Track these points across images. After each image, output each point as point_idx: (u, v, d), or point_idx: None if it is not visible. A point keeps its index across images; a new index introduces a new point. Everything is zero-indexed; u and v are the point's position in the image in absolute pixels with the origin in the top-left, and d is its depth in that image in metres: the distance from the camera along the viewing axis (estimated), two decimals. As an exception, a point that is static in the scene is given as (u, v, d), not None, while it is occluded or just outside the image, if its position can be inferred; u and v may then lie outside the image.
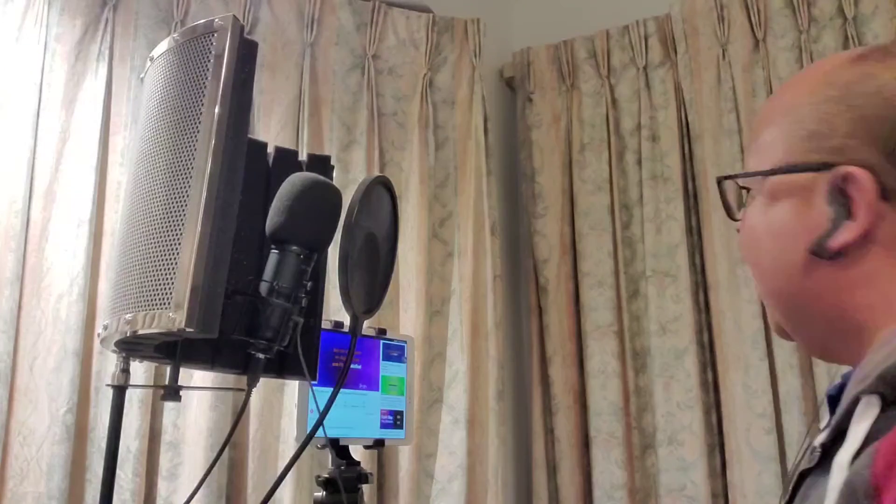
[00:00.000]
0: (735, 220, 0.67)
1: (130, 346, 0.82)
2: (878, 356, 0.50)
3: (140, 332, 0.74)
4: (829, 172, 0.56)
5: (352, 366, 1.32)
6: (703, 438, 1.99)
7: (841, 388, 0.54)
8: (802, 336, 0.63)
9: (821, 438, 0.52)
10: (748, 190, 0.65)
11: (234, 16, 0.80)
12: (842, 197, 0.55)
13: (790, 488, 0.55)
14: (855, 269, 0.55)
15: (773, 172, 0.60)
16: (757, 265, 0.63)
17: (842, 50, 2.02)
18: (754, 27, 2.13)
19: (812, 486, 0.52)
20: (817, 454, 0.51)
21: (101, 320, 1.05)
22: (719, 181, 0.67)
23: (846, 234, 0.55)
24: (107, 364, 1.56)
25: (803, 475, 0.53)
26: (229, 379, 1.54)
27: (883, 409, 0.46)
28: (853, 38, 2.00)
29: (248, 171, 0.81)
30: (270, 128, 1.90)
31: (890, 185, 0.54)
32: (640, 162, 2.24)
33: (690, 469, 1.99)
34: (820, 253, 0.56)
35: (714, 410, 2.05)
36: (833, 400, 0.57)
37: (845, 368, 0.60)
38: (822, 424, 0.57)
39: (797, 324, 0.62)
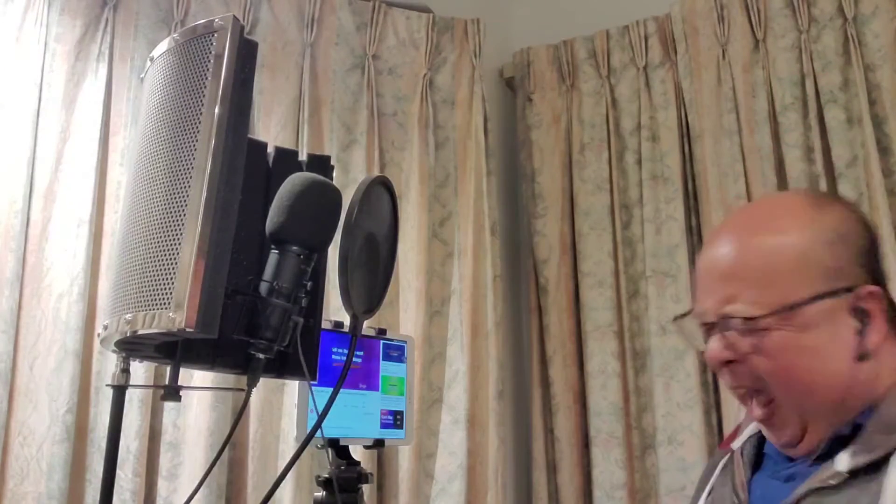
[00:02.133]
0: (705, 350, 0.79)
1: (130, 346, 0.82)
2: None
3: (140, 332, 0.74)
4: (851, 294, 0.74)
5: (352, 366, 1.32)
6: (703, 438, 1.99)
7: (853, 429, 0.71)
8: (824, 430, 0.75)
9: (847, 465, 0.68)
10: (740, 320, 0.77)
11: (234, 16, 0.80)
12: (861, 311, 0.73)
13: (795, 500, 0.70)
14: (878, 362, 0.73)
15: (810, 301, 0.74)
16: (799, 386, 0.75)
17: (842, 50, 2.02)
18: (754, 27, 2.13)
19: (827, 498, 0.67)
20: (843, 476, 0.67)
21: (101, 320, 1.05)
22: (723, 318, 0.77)
23: (875, 336, 0.73)
24: (107, 364, 1.56)
25: (811, 490, 0.69)
26: (229, 379, 1.54)
27: None
28: (853, 38, 2.00)
29: (248, 171, 0.81)
30: (270, 128, 1.90)
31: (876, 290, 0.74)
32: (640, 162, 2.24)
33: (690, 469, 1.98)
34: (864, 357, 0.73)
35: (714, 410, 2.05)
36: (841, 439, 0.72)
37: None
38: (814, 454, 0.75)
39: (830, 418, 0.74)
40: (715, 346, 0.77)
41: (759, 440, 0.83)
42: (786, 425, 0.77)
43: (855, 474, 0.67)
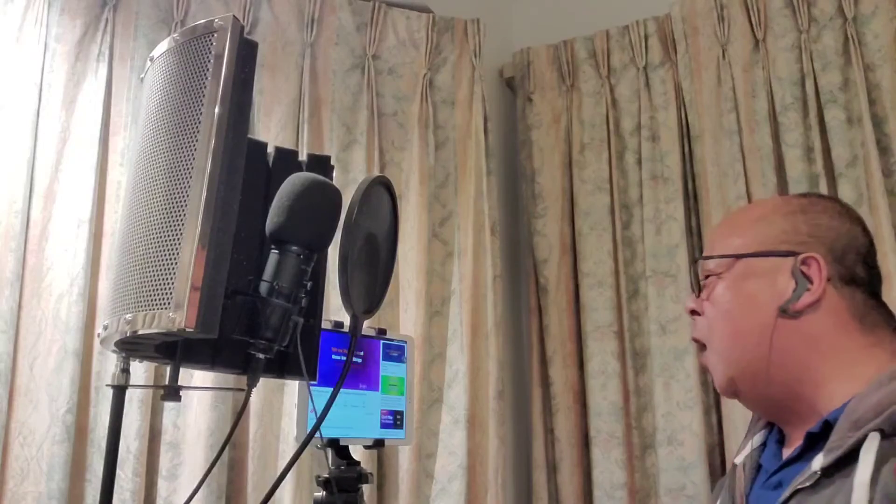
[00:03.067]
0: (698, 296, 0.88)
1: (130, 346, 0.82)
2: (867, 403, 0.70)
3: (140, 332, 0.74)
4: (795, 257, 0.81)
5: (352, 366, 1.32)
6: (703, 438, 1.99)
7: (823, 428, 0.74)
8: (758, 389, 0.83)
9: (820, 463, 0.70)
10: (707, 277, 0.87)
11: (234, 16, 0.80)
12: (801, 275, 0.80)
13: (782, 502, 0.73)
14: (810, 327, 0.79)
15: (755, 255, 0.83)
16: (726, 329, 0.84)
17: (842, 50, 2.02)
18: (754, 27, 2.13)
19: (808, 498, 0.70)
20: (816, 475, 0.70)
21: (101, 320, 1.05)
22: (694, 262, 0.90)
23: (807, 298, 0.79)
24: (107, 364, 1.56)
25: (796, 492, 0.71)
26: (229, 379, 1.54)
27: (881, 441, 0.67)
28: (853, 38, 2.00)
29: (248, 171, 0.81)
30: (270, 128, 1.90)
31: (830, 272, 0.80)
32: (640, 162, 2.24)
33: (690, 469, 1.99)
34: (787, 310, 0.80)
35: (714, 410, 2.05)
36: (814, 436, 0.75)
37: None
38: (775, 454, 0.83)
39: (757, 377, 0.82)
40: (689, 296, 0.91)
41: (759, 453, 0.87)
42: (716, 370, 0.87)
43: (829, 472, 0.69)
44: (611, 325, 2.19)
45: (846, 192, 1.93)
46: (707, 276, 0.88)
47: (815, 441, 0.75)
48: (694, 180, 2.18)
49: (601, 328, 2.20)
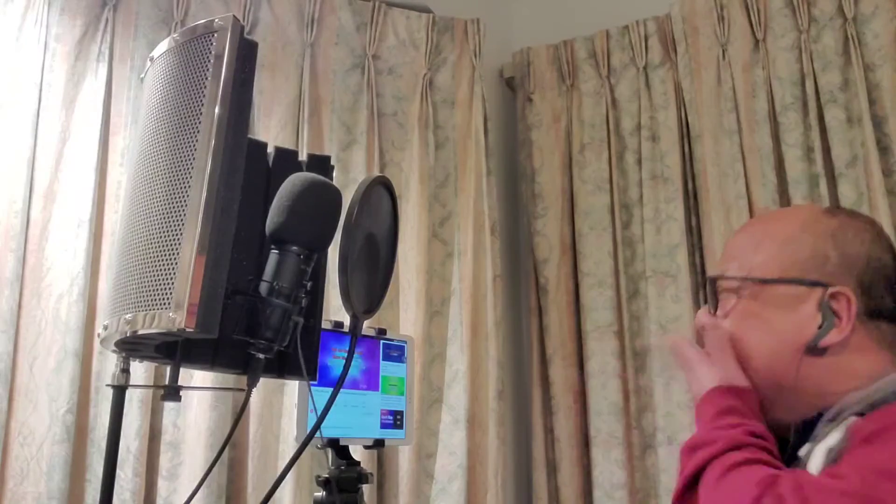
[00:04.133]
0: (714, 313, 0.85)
1: (130, 346, 0.82)
2: (854, 397, 0.72)
3: (140, 332, 0.74)
4: (822, 289, 0.77)
5: (352, 366, 1.32)
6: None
7: (817, 418, 0.75)
8: (776, 413, 0.80)
9: (804, 451, 0.72)
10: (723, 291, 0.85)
11: (234, 16, 0.80)
12: (829, 309, 0.77)
13: None
14: (836, 364, 0.77)
15: (783, 281, 0.80)
16: (747, 355, 0.81)
17: (842, 50, 2.02)
18: (754, 27, 2.13)
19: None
20: (801, 464, 0.72)
21: (101, 320, 1.05)
22: (712, 280, 0.85)
23: (833, 337, 0.76)
24: (107, 364, 1.56)
25: None
26: (229, 379, 1.54)
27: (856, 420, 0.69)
28: (853, 38, 2.00)
29: (248, 171, 0.81)
30: (270, 128, 1.90)
31: (858, 306, 0.77)
32: (640, 162, 2.24)
33: (690, 469, 1.98)
34: (813, 350, 0.77)
35: (714, 410, 2.05)
36: (808, 424, 0.76)
37: None
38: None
39: (776, 404, 0.80)
40: (701, 310, 0.88)
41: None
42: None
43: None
44: (611, 325, 2.19)
45: (846, 192, 1.93)
46: (728, 292, 0.84)
47: (807, 431, 0.76)
48: (694, 180, 2.18)
49: (601, 328, 2.20)
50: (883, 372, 0.75)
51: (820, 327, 0.77)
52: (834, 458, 0.67)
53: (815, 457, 0.69)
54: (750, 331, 0.81)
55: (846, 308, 0.77)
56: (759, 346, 0.80)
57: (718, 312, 0.84)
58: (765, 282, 0.80)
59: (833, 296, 0.77)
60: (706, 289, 0.87)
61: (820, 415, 0.74)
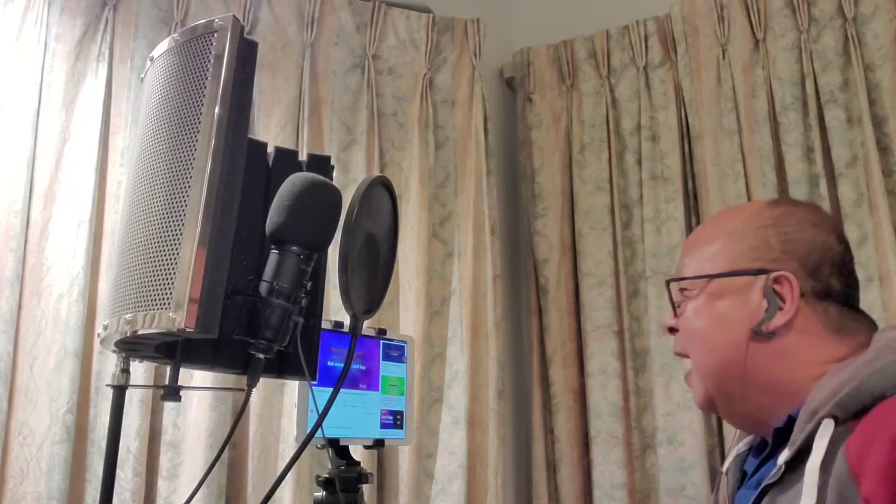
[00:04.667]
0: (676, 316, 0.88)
1: (130, 346, 0.82)
2: (823, 392, 0.70)
3: (140, 332, 0.74)
4: (766, 276, 0.80)
5: (352, 366, 1.32)
6: (703, 438, 1.99)
7: (788, 423, 0.73)
8: (734, 406, 0.83)
9: (784, 457, 0.70)
10: (683, 291, 0.87)
11: (234, 16, 0.80)
12: (773, 294, 0.79)
13: (753, 499, 0.73)
14: (783, 346, 0.78)
15: (727, 274, 0.82)
16: (700, 349, 0.84)
17: (842, 50, 2.02)
18: (754, 27, 2.13)
19: (779, 494, 0.70)
20: (781, 470, 0.70)
21: (101, 320, 1.05)
22: (668, 283, 0.89)
23: (778, 319, 0.78)
24: (107, 364, 1.56)
25: (766, 489, 0.71)
26: (229, 379, 1.54)
27: (836, 427, 0.66)
28: (853, 38, 2.00)
29: (248, 171, 0.81)
30: (270, 128, 1.90)
31: (804, 288, 0.79)
32: (640, 162, 2.24)
33: (690, 469, 1.99)
34: (759, 333, 0.79)
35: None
36: (779, 431, 0.75)
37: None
38: (755, 457, 0.83)
39: (733, 395, 0.82)
40: (667, 314, 0.90)
41: (743, 460, 0.88)
42: (695, 386, 0.87)
43: (792, 466, 0.69)
44: (611, 325, 2.19)
45: (846, 192, 1.93)
46: (682, 294, 0.87)
47: (783, 437, 0.74)
48: (694, 180, 2.18)
49: (601, 328, 2.20)
50: (834, 357, 0.76)
51: (766, 311, 0.79)
52: (842, 488, 0.63)
53: (811, 472, 0.66)
54: (703, 324, 0.83)
55: (789, 291, 0.78)
56: (710, 339, 0.83)
57: (678, 312, 0.88)
58: (713, 277, 0.83)
59: (776, 280, 0.79)
60: (668, 294, 0.89)
61: (791, 418, 0.73)
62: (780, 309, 0.78)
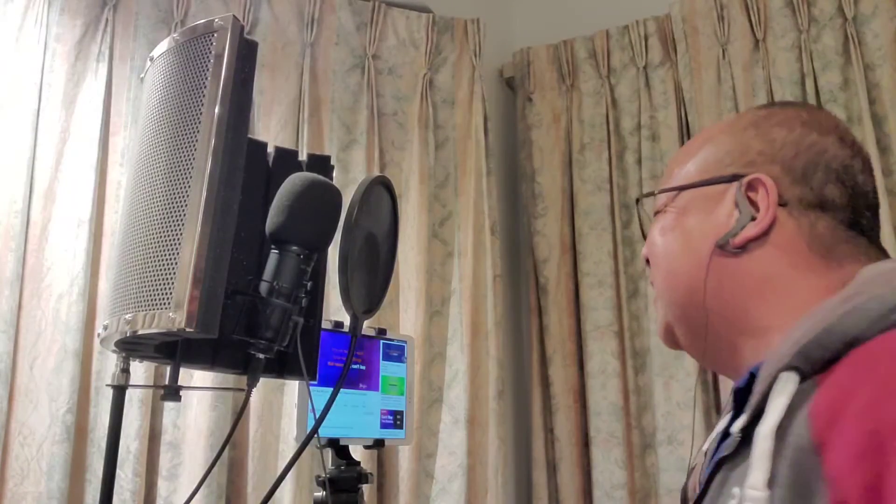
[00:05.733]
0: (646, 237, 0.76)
1: (130, 346, 0.82)
2: (789, 341, 0.55)
3: (140, 332, 0.74)
4: (740, 181, 0.65)
5: (352, 366, 1.32)
6: (702, 438, 1.99)
7: (749, 382, 0.58)
8: (699, 343, 0.69)
9: (739, 424, 0.56)
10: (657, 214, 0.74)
11: (234, 16, 0.80)
12: (748, 202, 0.64)
13: (707, 475, 0.61)
14: (754, 265, 0.64)
15: (697, 185, 0.69)
16: (660, 271, 0.71)
17: (842, 50, 2.02)
18: (754, 27, 2.13)
19: (732, 469, 0.57)
20: (737, 439, 0.56)
21: (101, 320, 1.05)
22: (637, 200, 0.78)
23: (749, 230, 0.63)
24: (107, 364, 1.56)
25: (721, 462, 0.59)
26: (229, 379, 1.54)
27: (800, 384, 0.52)
28: (853, 38, 2.00)
29: (248, 171, 0.81)
30: (270, 128, 1.90)
31: (787, 195, 0.64)
32: (640, 162, 2.24)
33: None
34: (724, 246, 0.64)
35: (714, 410, 2.05)
36: (740, 392, 0.60)
37: None
38: (728, 418, 0.64)
39: (698, 329, 0.68)
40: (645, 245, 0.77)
41: (721, 437, 0.74)
42: (658, 314, 0.74)
43: (749, 433, 0.55)
44: (611, 324, 2.19)
45: (846, 192, 1.93)
46: (655, 214, 0.75)
47: (744, 398, 0.59)
48: (694, 180, 2.17)
49: (601, 328, 2.20)
50: (816, 288, 0.61)
51: (737, 222, 0.65)
52: (799, 459, 0.49)
53: (762, 440, 0.51)
54: (668, 243, 0.70)
55: (765, 197, 0.64)
56: (671, 258, 0.70)
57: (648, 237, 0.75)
58: (683, 189, 0.70)
59: (750, 185, 0.65)
60: (638, 215, 0.79)
61: (752, 375, 0.58)
62: (754, 219, 0.64)
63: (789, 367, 0.53)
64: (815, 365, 0.52)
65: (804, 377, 0.52)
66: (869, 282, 0.56)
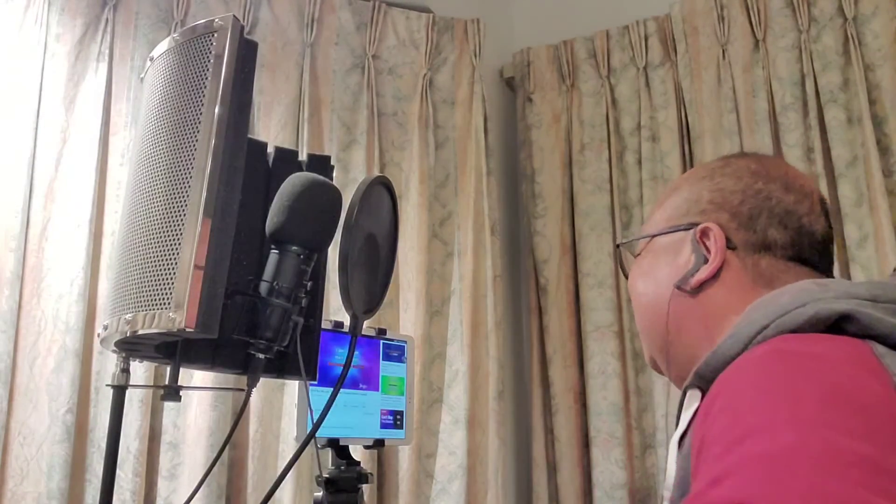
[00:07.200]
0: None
1: (130, 346, 0.82)
2: (715, 353, 0.63)
3: (140, 332, 0.74)
4: (694, 229, 0.75)
5: (352, 366, 1.32)
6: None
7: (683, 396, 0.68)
8: (671, 362, 0.78)
9: (676, 435, 0.64)
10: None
11: (234, 16, 0.80)
12: (702, 248, 0.74)
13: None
14: (708, 302, 0.73)
15: (662, 233, 0.79)
16: (636, 309, 0.82)
17: (842, 50, 2.02)
18: (754, 27, 2.13)
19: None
20: (675, 450, 0.64)
21: (101, 320, 1.05)
22: (617, 247, 0.89)
23: (702, 273, 0.73)
24: (107, 364, 1.56)
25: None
26: (229, 379, 1.54)
27: (702, 399, 0.60)
28: (853, 38, 2.00)
29: (248, 171, 0.81)
30: (270, 128, 1.90)
31: (735, 239, 0.73)
32: (640, 162, 2.24)
33: (690, 469, 1.98)
34: (682, 286, 0.74)
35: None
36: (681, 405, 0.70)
37: None
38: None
39: (666, 351, 0.77)
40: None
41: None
42: (644, 347, 0.84)
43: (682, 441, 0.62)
44: (611, 325, 2.19)
45: (846, 192, 1.93)
46: (632, 257, 0.85)
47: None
48: (694, 180, 2.17)
49: (601, 328, 2.20)
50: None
51: (694, 266, 0.74)
52: (685, 464, 0.58)
53: (671, 448, 0.61)
54: (640, 284, 0.81)
55: (714, 242, 0.73)
56: (642, 297, 0.80)
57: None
58: (653, 237, 0.80)
59: (703, 232, 0.74)
60: (620, 259, 0.89)
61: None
62: (706, 262, 0.73)
63: (692, 385, 0.63)
64: (708, 382, 0.59)
65: (704, 393, 0.61)
66: (754, 307, 0.64)
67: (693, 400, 0.62)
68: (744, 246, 0.73)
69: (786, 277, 0.71)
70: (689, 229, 0.76)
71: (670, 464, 0.61)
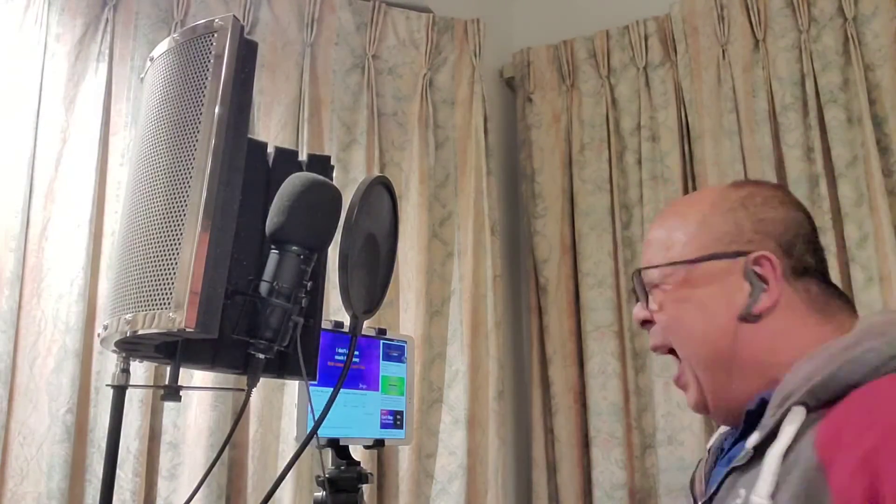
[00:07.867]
0: (647, 308, 0.85)
1: (130, 346, 0.82)
2: (797, 377, 0.68)
3: (140, 332, 0.74)
4: (745, 258, 0.78)
5: (352, 366, 1.32)
6: (702, 438, 1.99)
7: (760, 406, 0.72)
8: (724, 398, 0.79)
9: (753, 441, 0.69)
10: (655, 286, 0.84)
11: (234, 16, 0.80)
12: (755, 276, 0.77)
13: (719, 483, 0.73)
14: (768, 327, 0.76)
15: (704, 259, 0.80)
16: (688, 340, 0.81)
17: (842, 50, 2.02)
18: (754, 27, 2.13)
19: (740, 478, 0.70)
20: (749, 454, 0.69)
21: (101, 320, 1.05)
22: (637, 272, 0.86)
23: (765, 302, 0.76)
24: (107, 364, 1.56)
25: (733, 470, 0.71)
26: (229, 379, 1.54)
27: (807, 414, 0.66)
28: (853, 38, 2.00)
29: (248, 171, 0.81)
30: (270, 128, 1.90)
31: (783, 268, 0.77)
32: (640, 162, 2.24)
33: (690, 469, 1.97)
34: (747, 318, 0.77)
35: (714, 410, 2.05)
36: (751, 414, 0.74)
37: None
38: (734, 435, 0.80)
39: (723, 385, 0.79)
40: (636, 306, 0.87)
41: (725, 437, 0.86)
42: (688, 385, 0.84)
43: (760, 450, 0.68)
44: (611, 325, 2.19)
45: (846, 192, 1.93)
46: (655, 285, 0.84)
47: (755, 420, 0.73)
48: (694, 180, 2.18)
49: (601, 328, 2.20)
50: (818, 340, 0.73)
51: (750, 295, 0.77)
52: (809, 478, 0.62)
53: (771, 459, 0.65)
54: (685, 314, 0.81)
55: (771, 271, 0.77)
56: (695, 326, 0.80)
57: (651, 305, 0.84)
58: (689, 263, 0.81)
59: (756, 261, 0.77)
60: (634, 285, 0.87)
61: (763, 401, 0.72)
62: (765, 290, 0.76)
63: (800, 402, 0.66)
64: (819, 403, 0.66)
65: (809, 411, 0.66)
66: (865, 332, 0.70)
67: (797, 415, 0.66)
68: (790, 272, 0.77)
69: (835, 302, 0.78)
70: (735, 257, 0.78)
71: (769, 472, 0.64)
